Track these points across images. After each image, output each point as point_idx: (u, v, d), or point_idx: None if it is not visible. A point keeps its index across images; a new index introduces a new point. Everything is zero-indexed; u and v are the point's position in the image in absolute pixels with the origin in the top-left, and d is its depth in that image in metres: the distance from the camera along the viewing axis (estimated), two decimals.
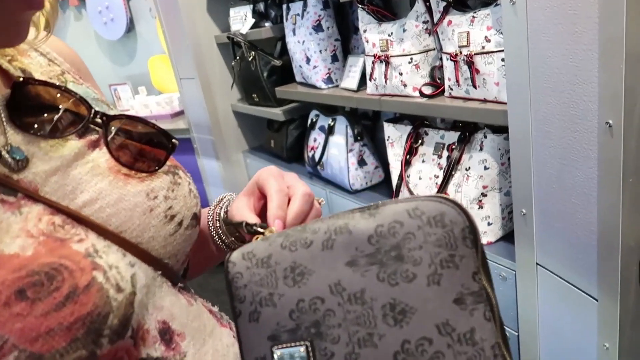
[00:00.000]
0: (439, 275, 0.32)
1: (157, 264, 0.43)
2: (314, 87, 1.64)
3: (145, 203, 0.43)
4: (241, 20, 1.85)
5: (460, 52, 1.05)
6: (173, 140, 0.47)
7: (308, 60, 1.60)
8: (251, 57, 1.84)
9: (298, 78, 1.75)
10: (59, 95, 0.43)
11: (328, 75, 1.59)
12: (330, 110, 1.69)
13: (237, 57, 1.92)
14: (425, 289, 0.32)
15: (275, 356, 0.34)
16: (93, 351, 0.35)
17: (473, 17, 1.02)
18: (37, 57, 0.46)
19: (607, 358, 0.84)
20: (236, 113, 2.18)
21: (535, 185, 0.90)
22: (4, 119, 0.39)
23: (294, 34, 1.61)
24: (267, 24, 1.81)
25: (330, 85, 1.60)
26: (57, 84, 0.44)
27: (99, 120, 0.44)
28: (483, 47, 1.00)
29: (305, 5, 1.53)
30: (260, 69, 1.82)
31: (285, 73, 1.83)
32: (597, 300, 0.83)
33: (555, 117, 0.82)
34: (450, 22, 1.07)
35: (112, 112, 0.47)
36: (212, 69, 2.08)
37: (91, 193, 0.41)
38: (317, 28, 1.53)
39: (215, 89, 2.11)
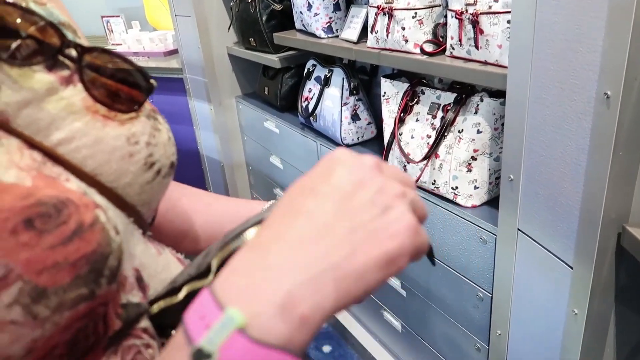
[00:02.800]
0: None
1: (131, 210, 0.41)
2: (313, 35, 1.61)
3: (125, 148, 0.40)
4: None
5: (466, 10, 1.02)
6: (151, 81, 0.42)
7: (309, 6, 1.55)
8: None
9: (297, 25, 1.70)
10: (23, 17, 0.37)
11: (329, 24, 1.55)
12: (327, 61, 1.66)
13: None
14: None
15: None
16: (93, 290, 0.34)
17: None
18: None
19: (575, 323, 0.87)
20: (231, 56, 2.13)
21: (526, 152, 0.91)
22: None
23: None
24: None
25: (330, 35, 1.56)
26: (22, 4, 0.38)
27: (72, 53, 0.39)
28: (490, 7, 0.98)
29: None
30: (259, 12, 1.77)
31: (284, 19, 1.78)
32: (572, 268, 0.85)
33: (554, 84, 0.81)
34: None
35: (82, 42, 0.42)
36: (209, 8, 2.01)
37: (67, 132, 0.38)
38: None
39: (211, 30, 2.05)
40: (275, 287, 0.25)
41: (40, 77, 0.37)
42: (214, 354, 0.23)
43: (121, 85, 0.41)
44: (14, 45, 0.36)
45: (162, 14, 2.72)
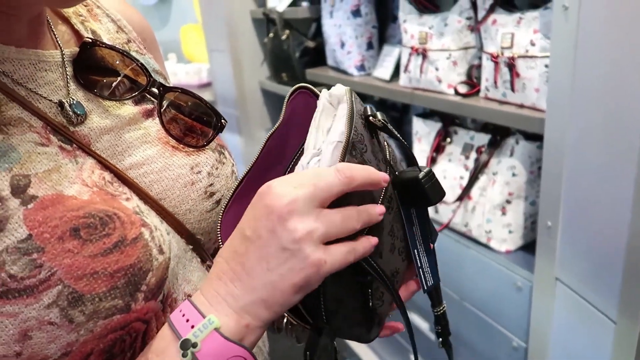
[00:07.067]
0: None
1: (190, 237, 0.44)
2: (345, 72, 1.62)
3: (188, 175, 0.44)
4: None
5: (502, 54, 1.02)
6: (222, 121, 0.48)
7: (342, 44, 1.57)
8: (285, 36, 1.82)
9: (330, 62, 1.72)
10: (122, 61, 0.44)
11: (361, 62, 1.56)
12: (359, 98, 1.67)
13: (271, 34, 1.90)
14: None
15: None
16: (128, 303, 0.36)
17: (520, 18, 0.98)
18: (108, 23, 0.48)
19: None
20: (263, 91, 2.17)
21: (565, 198, 0.88)
22: (68, 75, 0.41)
23: (331, 16, 1.58)
24: (304, 3, 1.78)
25: (362, 73, 1.57)
26: (122, 50, 0.45)
27: (155, 91, 0.45)
28: (527, 51, 0.97)
29: None
30: (292, 48, 1.80)
31: (317, 55, 1.80)
32: (615, 322, 0.81)
33: (595, 129, 0.79)
34: (495, 21, 1.04)
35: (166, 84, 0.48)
36: (243, 43, 2.06)
37: (139, 157, 0.43)
38: (356, 13, 1.50)
39: (245, 64, 2.10)
40: (229, 310, 0.35)
41: (127, 108, 0.44)
42: (198, 344, 0.33)
43: (196, 122, 0.47)
44: (114, 83, 0.43)
45: (197, 47, 2.80)
